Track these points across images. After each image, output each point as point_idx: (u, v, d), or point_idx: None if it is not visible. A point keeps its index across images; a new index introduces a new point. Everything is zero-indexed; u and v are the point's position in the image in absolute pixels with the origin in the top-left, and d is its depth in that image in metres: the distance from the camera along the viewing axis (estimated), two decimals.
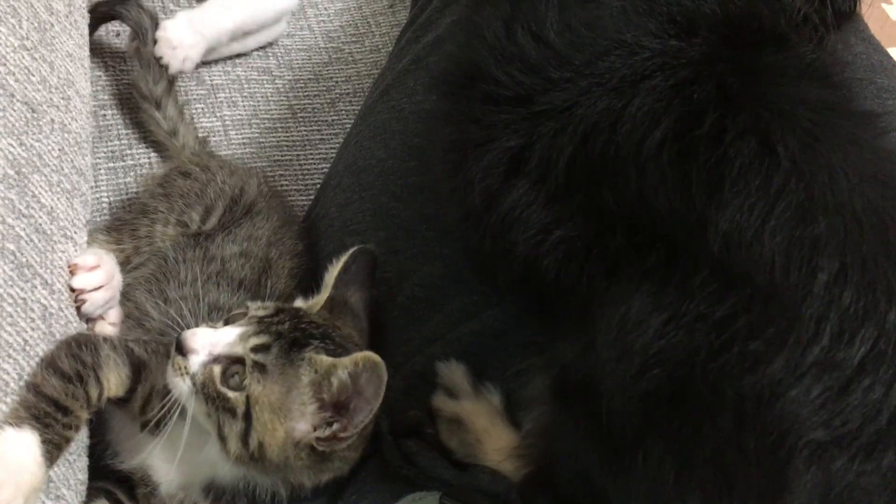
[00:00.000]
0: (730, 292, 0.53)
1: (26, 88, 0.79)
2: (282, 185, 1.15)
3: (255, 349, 0.68)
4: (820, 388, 0.51)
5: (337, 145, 1.15)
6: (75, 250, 0.81)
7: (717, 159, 0.56)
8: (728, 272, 0.54)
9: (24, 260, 0.71)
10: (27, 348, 0.68)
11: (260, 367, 0.68)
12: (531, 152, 0.63)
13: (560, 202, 0.62)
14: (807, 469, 0.51)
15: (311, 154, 1.20)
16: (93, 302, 0.79)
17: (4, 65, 0.77)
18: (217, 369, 0.68)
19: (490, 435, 0.76)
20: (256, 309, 0.72)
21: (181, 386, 0.68)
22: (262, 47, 1.27)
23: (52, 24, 0.89)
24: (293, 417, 0.68)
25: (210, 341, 0.69)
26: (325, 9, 1.38)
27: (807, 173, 0.55)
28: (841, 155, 0.57)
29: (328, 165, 1.12)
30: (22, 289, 0.69)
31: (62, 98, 0.86)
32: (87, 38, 1.01)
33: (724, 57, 0.61)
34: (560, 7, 0.66)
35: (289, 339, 0.69)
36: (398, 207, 0.89)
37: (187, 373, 0.68)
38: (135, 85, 1.07)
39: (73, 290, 0.78)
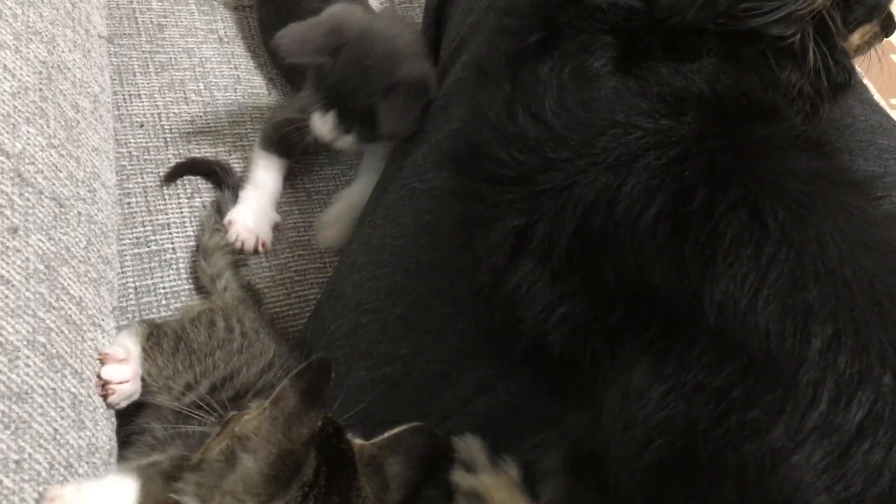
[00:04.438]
0: (726, 362, 0.54)
1: (54, 185, 0.84)
2: (301, 265, 1.19)
3: None
4: (821, 453, 0.52)
5: None
6: (103, 338, 0.84)
7: (708, 233, 0.58)
8: (724, 342, 0.55)
9: (54, 351, 0.74)
10: (57, 437, 0.70)
11: None
12: (534, 231, 0.65)
13: (563, 279, 0.64)
14: None
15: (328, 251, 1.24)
16: (119, 394, 0.82)
17: (34, 164, 0.82)
18: None
19: None
20: None
21: None
22: None
23: (79, 121, 0.94)
24: None
25: None
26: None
27: (797, 242, 0.57)
28: (830, 222, 0.58)
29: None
30: (52, 379, 0.72)
31: (88, 191, 0.91)
32: (111, 131, 1.06)
33: (714, 134, 0.63)
34: (558, 88, 0.69)
35: None
36: (412, 284, 0.90)
37: None
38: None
39: (100, 377, 0.80)
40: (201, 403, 0.82)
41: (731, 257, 0.57)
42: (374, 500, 0.71)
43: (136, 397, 0.86)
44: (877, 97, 1.10)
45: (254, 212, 1.16)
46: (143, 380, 0.89)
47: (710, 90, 0.65)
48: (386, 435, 0.74)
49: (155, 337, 0.92)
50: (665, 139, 0.63)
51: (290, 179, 1.27)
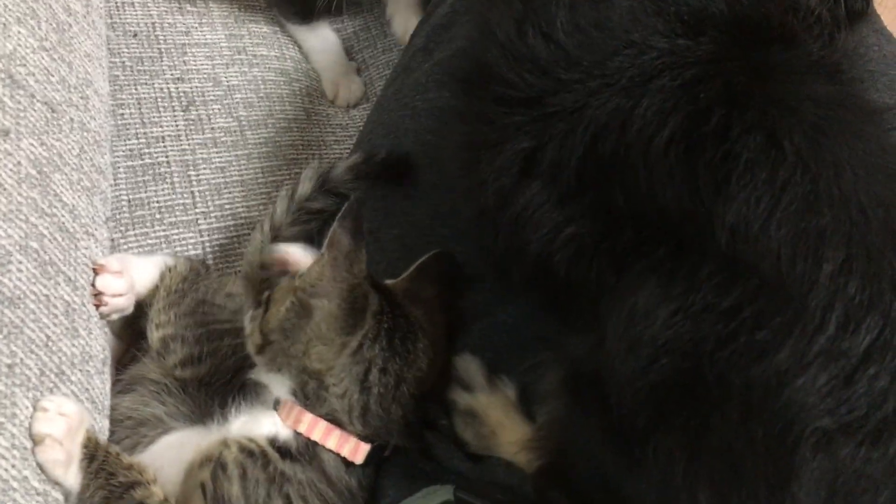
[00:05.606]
0: (736, 283, 0.54)
1: (46, 89, 0.81)
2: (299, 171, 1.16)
3: None
4: (826, 376, 0.52)
5: (350, 147, 1.16)
6: (96, 247, 0.82)
7: (723, 155, 0.57)
8: (735, 264, 0.55)
9: (46, 258, 0.72)
10: (50, 343, 0.70)
11: None
12: (543, 153, 0.64)
13: (571, 201, 0.63)
14: (813, 456, 0.52)
15: (326, 154, 1.22)
16: (112, 307, 0.80)
17: (24, 65, 0.79)
18: None
19: (505, 427, 0.77)
20: None
21: None
22: (280, 50, 1.30)
23: (71, 25, 0.91)
24: None
25: None
26: (341, 19, 1.40)
27: (812, 167, 0.56)
28: (847, 149, 0.58)
29: None
30: (45, 286, 0.71)
31: (81, 97, 0.88)
32: (104, 38, 1.03)
33: (732, 56, 0.61)
34: (570, 7, 0.67)
35: None
36: (411, 206, 0.90)
37: None
38: None
39: (94, 287, 0.79)
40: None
41: (745, 180, 0.56)
42: (424, 320, 0.77)
43: (128, 312, 0.85)
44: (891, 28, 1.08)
45: (338, 63, 1.30)
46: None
47: (729, 11, 0.64)
48: (410, 269, 0.80)
49: (184, 287, 0.87)
50: (681, 60, 0.61)
51: (291, 98, 1.25)
